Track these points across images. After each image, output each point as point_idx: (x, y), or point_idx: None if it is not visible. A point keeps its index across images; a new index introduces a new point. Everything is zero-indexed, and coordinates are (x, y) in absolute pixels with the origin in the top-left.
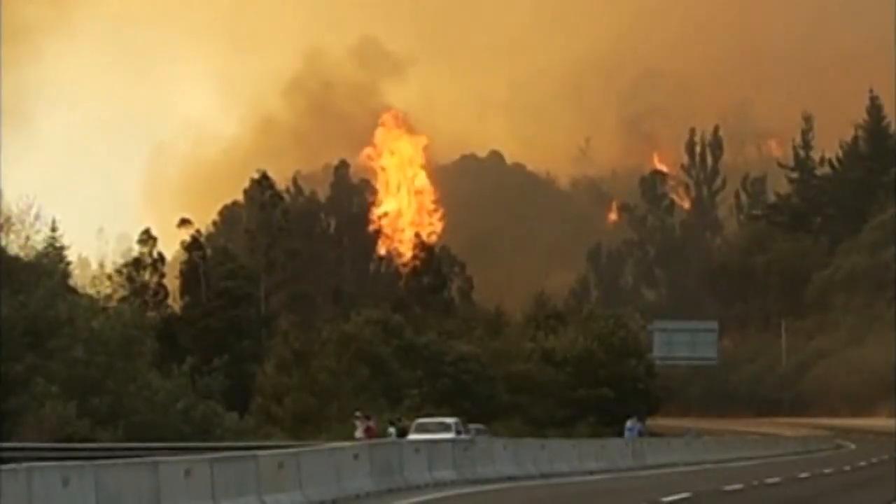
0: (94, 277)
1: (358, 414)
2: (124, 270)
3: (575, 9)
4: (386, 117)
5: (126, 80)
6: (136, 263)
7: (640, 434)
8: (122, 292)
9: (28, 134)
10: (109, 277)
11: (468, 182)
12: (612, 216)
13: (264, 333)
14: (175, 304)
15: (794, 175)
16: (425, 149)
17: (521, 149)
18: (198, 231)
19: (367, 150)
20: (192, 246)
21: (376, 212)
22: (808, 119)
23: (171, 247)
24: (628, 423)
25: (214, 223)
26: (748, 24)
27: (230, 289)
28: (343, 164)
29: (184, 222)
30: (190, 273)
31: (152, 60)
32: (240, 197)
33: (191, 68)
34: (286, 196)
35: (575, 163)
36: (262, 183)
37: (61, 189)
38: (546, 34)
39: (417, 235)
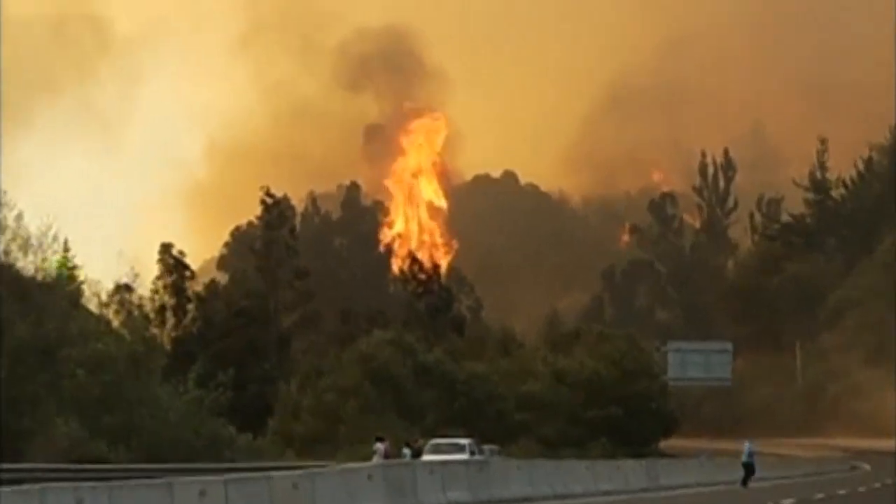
0: (108, 297)
1: (378, 445)
2: (135, 292)
3: (590, 32)
4: (400, 137)
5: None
6: (163, 282)
7: (752, 455)
8: (136, 312)
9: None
10: (110, 300)
11: (481, 202)
12: (625, 237)
13: (274, 353)
14: (184, 324)
15: (810, 195)
16: (438, 169)
17: (534, 169)
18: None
19: (380, 170)
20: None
21: (388, 232)
22: (823, 141)
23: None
24: (747, 445)
25: (227, 244)
26: (760, 44)
27: (244, 309)
28: (354, 186)
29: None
30: (206, 294)
31: (175, 76)
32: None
33: (210, 86)
34: (300, 216)
35: (587, 183)
36: (268, 201)
37: (76, 208)
38: (563, 56)
39: (430, 256)
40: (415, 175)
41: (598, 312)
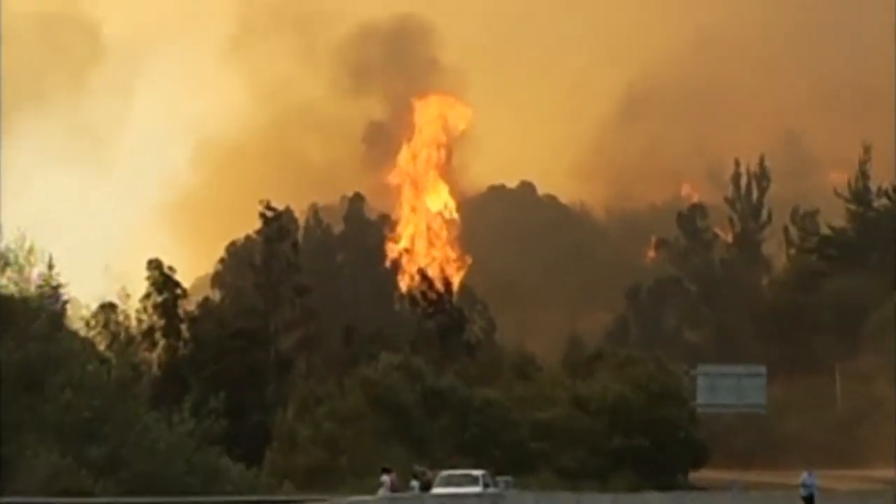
0: (91, 317)
1: (384, 477)
2: (123, 312)
3: (612, 33)
4: (408, 145)
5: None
6: (152, 300)
7: (812, 487)
8: (123, 334)
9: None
10: (95, 321)
11: (496, 215)
12: (651, 252)
13: (274, 377)
14: (175, 346)
15: (851, 206)
16: (449, 179)
17: (553, 180)
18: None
19: (387, 180)
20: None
21: (395, 247)
22: (867, 149)
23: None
24: (804, 476)
25: (222, 260)
26: (793, 45)
27: (241, 330)
28: (358, 197)
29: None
30: (199, 313)
31: (167, 82)
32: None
33: (203, 92)
34: (303, 229)
35: (610, 195)
36: (268, 214)
37: (63, 223)
38: (583, 58)
39: (441, 273)
40: (423, 186)
41: (621, 333)
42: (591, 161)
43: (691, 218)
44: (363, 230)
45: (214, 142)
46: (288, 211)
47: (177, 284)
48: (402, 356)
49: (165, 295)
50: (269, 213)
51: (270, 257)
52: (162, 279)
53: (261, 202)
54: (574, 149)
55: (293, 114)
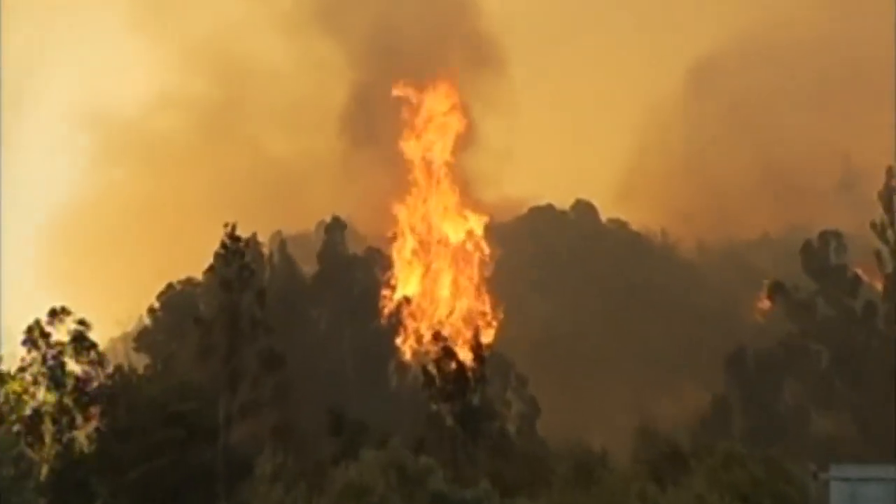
0: None
1: None
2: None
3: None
4: (412, 148)
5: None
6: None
7: None
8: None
9: None
10: None
11: (539, 247)
12: (764, 302)
13: (223, 484)
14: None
15: None
16: (473, 199)
17: (622, 199)
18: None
19: (380, 198)
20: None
21: (392, 296)
22: None
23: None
24: None
25: (152, 311)
26: None
27: (178, 415)
28: (337, 223)
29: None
30: (111, 389)
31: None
32: (197, 272)
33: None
34: (268, 268)
35: (703, 221)
36: (227, 244)
37: None
38: (651, 44)
39: (460, 334)
40: (435, 206)
41: (720, 420)
42: (674, 174)
43: (821, 252)
44: (347, 270)
45: (130, 131)
46: (254, 241)
47: (92, 345)
48: (401, 454)
49: (64, 359)
50: (228, 243)
51: (226, 310)
52: (71, 339)
53: (225, 225)
54: (650, 160)
55: (244, 107)
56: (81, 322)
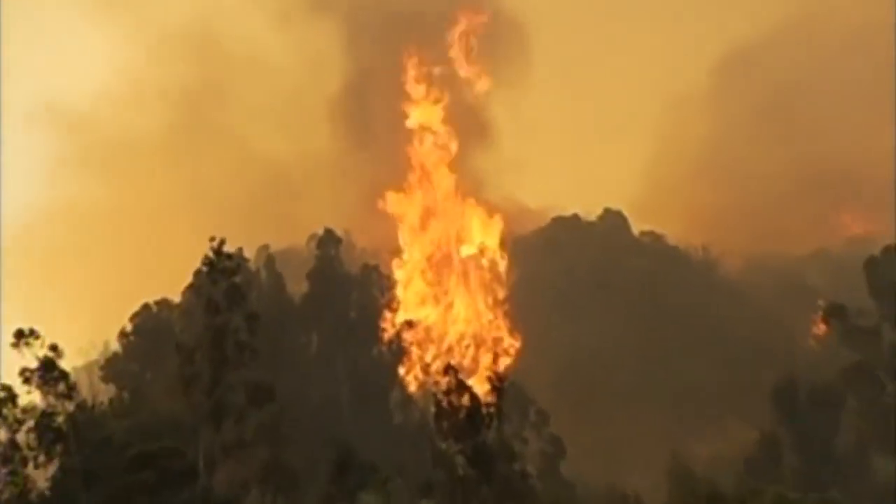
0: None
1: None
2: None
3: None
4: (415, 147)
5: None
6: None
7: None
8: None
9: None
10: None
11: (563, 263)
12: (819, 326)
13: None
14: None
15: None
16: (484, 206)
17: (655, 209)
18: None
19: (380, 206)
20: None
21: (394, 319)
22: None
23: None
24: None
25: (124, 337)
26: None
27: (149, 454)
28: (330, 237)
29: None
30: (81, 420)
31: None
32: (169, 292)
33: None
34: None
35: (749, 233)
36: (212, 260)
37: None
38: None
39: (474, 365)
40: (442, 214)
41: (768, 460)
42: (712, 179)
43: (887, 269)
44: (342, 289)
45: (94, 130)
46: (238, 257)
47: (63, 375)
48: (405, 498)
49: (37, 388)
50: (212, 258)
51: (211, 335)
52: (39, 368)
53: (211, 240)
54: (683, 160)
55: (228, 86)
56: (53, 348)
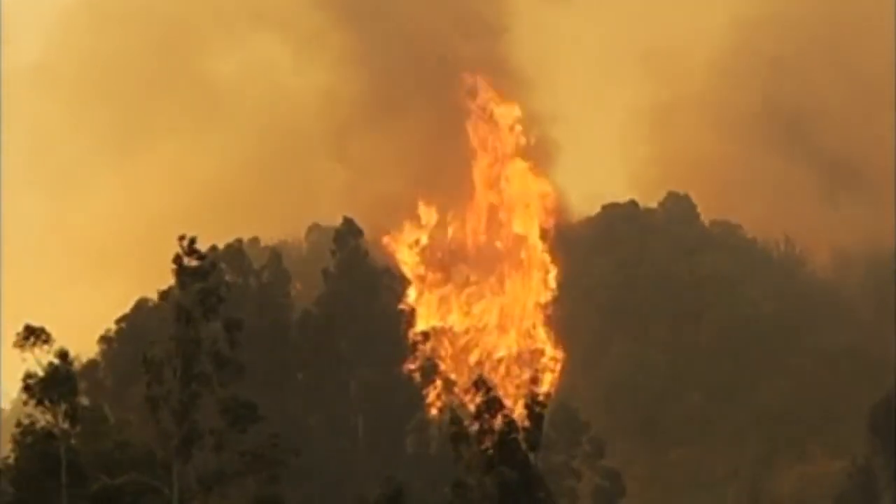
0: None
1: None
2: None
3: None
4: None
5: None
6: None
7: None
8: None
9: None
10: None
11: (617, 260)
12: None
13: None
14: None
15: None
16: (525, 191)
17: (730, 193)
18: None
19: (390, 190)
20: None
21: (413, 330)
22: None
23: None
24: None
25: (106, 342)
26: None
27: (106, 491)
28: (350, 228)
29: None
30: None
31: None
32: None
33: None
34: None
35: (842, 227)
36: (183, 262)
37: None
38: None
39: (507, 380)
40: (468, 200)
41: (862, 494)
42: (794, 156)
43: None
44: (351, 290)
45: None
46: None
47: (71, 391)
48: None
49: None
50: (186, 261)
51: (182, 347)
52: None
53: (181, 238)
54: (757, 133)
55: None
56: (63, 355)
